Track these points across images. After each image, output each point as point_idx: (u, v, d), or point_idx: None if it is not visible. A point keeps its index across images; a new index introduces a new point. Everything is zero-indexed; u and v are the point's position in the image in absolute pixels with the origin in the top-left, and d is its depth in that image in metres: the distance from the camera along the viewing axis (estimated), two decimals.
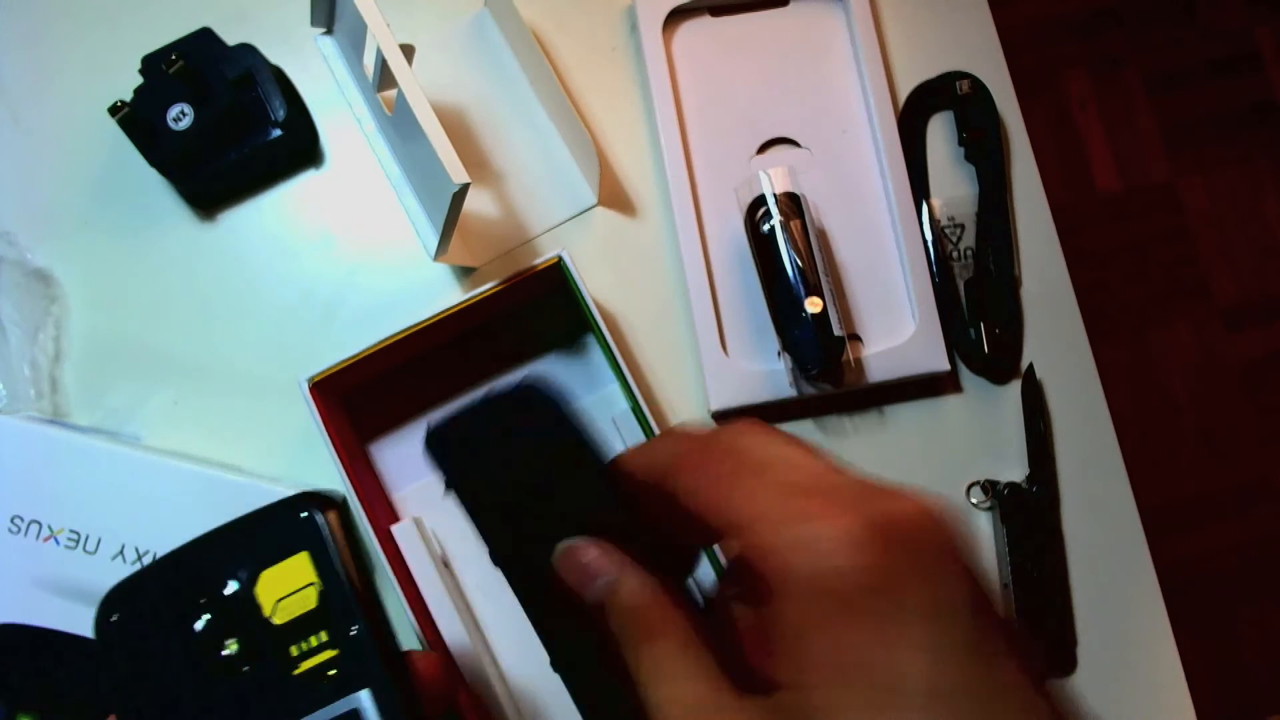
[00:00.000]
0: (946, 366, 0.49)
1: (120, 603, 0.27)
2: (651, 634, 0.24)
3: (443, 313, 0.45)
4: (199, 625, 0.26)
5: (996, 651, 0.21)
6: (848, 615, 0.21)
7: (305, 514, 0.28)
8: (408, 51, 0.45)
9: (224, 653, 0.26)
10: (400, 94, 0.43)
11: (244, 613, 0.27)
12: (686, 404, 0.50)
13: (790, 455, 0.25)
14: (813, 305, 0.46)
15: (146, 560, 0.41)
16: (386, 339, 0.44)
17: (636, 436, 0.47)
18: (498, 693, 0.45)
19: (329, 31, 0.52)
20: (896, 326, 0.50)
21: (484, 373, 0.50)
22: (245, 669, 0.26)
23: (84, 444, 0.42)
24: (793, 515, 0.22)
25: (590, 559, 0.26)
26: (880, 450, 0.51)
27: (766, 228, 0.48)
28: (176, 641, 0.26)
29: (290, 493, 0.42)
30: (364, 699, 0.26)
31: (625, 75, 0.54)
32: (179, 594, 0.27)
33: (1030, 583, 0.48)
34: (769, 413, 0.50)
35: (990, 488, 0.50)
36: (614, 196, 0.52)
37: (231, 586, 0.27)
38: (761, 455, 0.24)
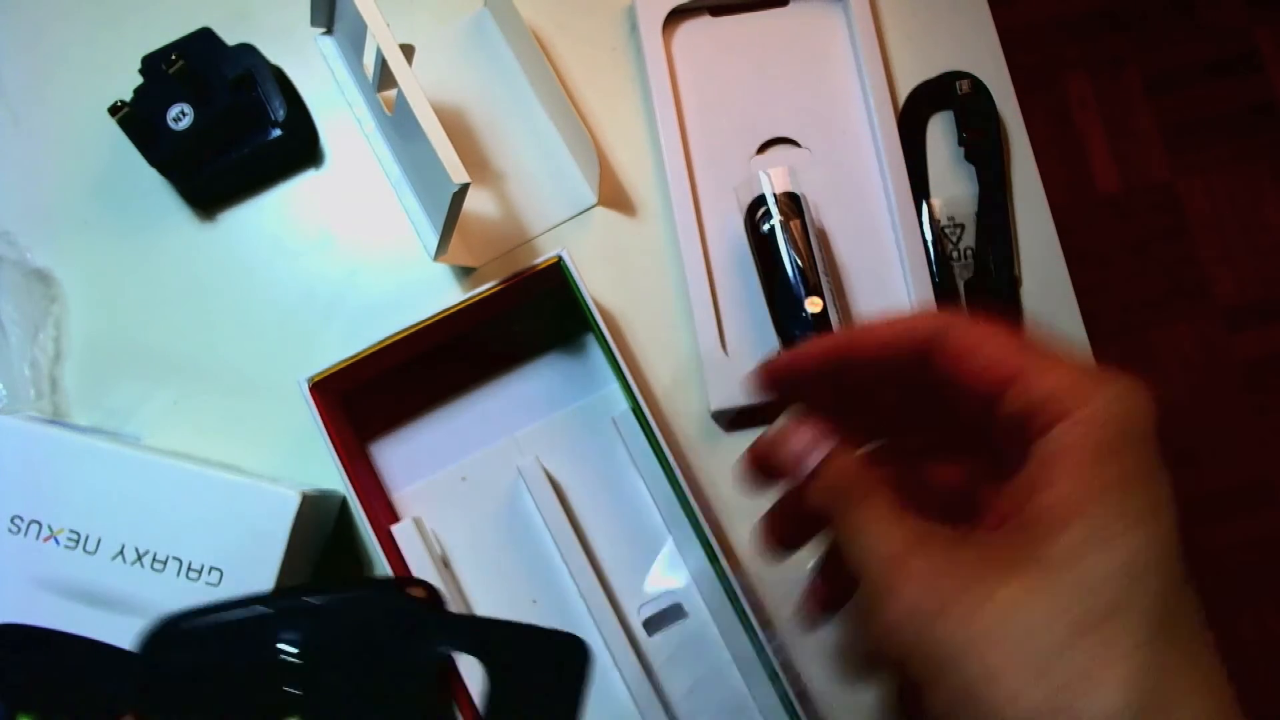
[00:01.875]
0: None
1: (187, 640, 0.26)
2: (856, 500, 0.26)
3: (443, 313, 0.45)
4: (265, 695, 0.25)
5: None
6: (1128, 456, 0.23)
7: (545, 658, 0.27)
8: (408, 51, 0.45)
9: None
10: (400, 94, 0.43)
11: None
12: (686, 404, 0.50)
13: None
14: (813, 305, 0.46)
15: (146, 560, 0.41)
16: (386, 339, 0.44)
17: (636, 436, 0.47)
18: None
19: (329, 31, 0.52)
20: None
21: (484, 372, 0.50)
22: None
23: (84, 444, 0.42)
24: (1088, 376, 0.24)
25: (801, 440, 0.29)
26: None
27: (766, 228, 0.48)
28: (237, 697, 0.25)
29: (291, 493, 0.42)
30: None
31: (625, 75, 0.54)
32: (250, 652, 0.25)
33: None
34: (769, 413, 0.50)
35: None
36: (614, 196, 0.52)
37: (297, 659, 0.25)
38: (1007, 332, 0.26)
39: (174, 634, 0.25)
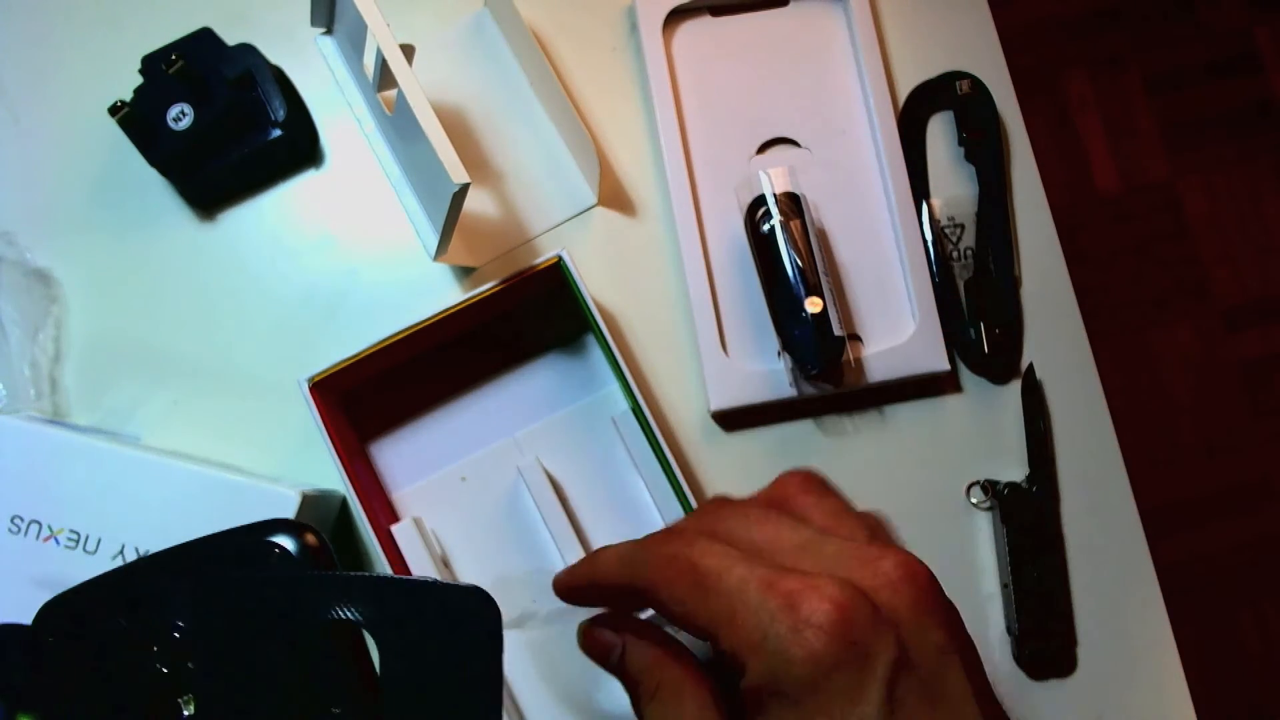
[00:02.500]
0: (946, 366, 0.49)
1: (65, 612, 0.24)
2: (654, 693, 0.28)
3: (443, 313, 0.45)
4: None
5: (960, 697, 0.24)
6: (798, 711, 0.23)
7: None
8: (408, 51, 0.45)
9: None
10: (400, 94, 0.43)
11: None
12: (686, 404, 0.50)
13: (760, 536, 0.28)
14: (813, 305, 0.46)
15: None
16: (386, 339, 0.44)
17: (636, 436, 0.47)
18: None
19: (329, 31, 0.52)
20: (896, 326, 0.50)
21: (484, 372, 0.50)
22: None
23: (84, 444, 0.42)
24: (752, 615, 0.24)
25: (601, 635, 0.30)
26: (880, 450, 0.51)
27: (766, 228, 0.48)
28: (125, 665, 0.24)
29: (291, 493, 0.42)
30: None
31: (625, 75, 0.54)
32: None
33: (1030, 583, 0.48)
34: (769, 413, 0.50)
35: (990, 488, 0.50)
36: (614, 196, 0.52)
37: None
38: (716, 563, 0.26)
39: (60, 613, 0.24)
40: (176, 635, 0.23)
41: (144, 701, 0.23)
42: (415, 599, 0.24)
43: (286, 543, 0.25)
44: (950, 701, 0.24)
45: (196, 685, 0.23)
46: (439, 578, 0.26)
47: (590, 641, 0.31)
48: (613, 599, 0.31)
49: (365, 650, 0.24)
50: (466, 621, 0.25)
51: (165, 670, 0.23)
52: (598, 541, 0.48)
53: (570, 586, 0.31)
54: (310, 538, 0.25)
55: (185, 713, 0.23)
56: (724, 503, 0.30)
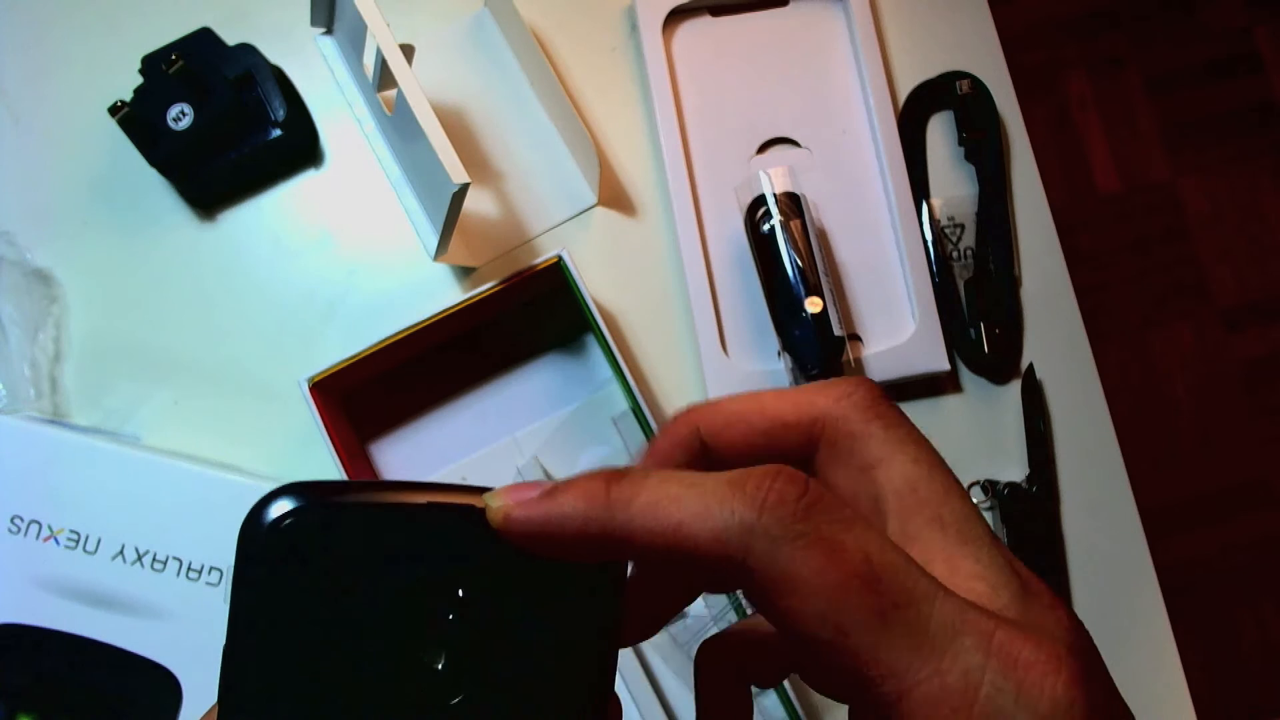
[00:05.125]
0: (946, 366, 0.49)
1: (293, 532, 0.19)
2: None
3: (443, 313, 0.45)
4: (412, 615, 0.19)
5: None
6: None
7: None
8: (408, 51, 0.45)
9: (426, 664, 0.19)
10: (400, 94, 0.43)
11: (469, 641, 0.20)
12: (686, 404, 0.50)
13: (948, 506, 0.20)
14: (813, 305, 0.46)
15: (146, 560, 0.41)
16: (386, 339, 0.44)
17: (636, 436, 0.47)
18: None
19: (329, 31, 0.52)
20: (896, 326, 0.50)
21: (484, 372, 0.50)
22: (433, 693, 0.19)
23: (84, 444, 0.42)
24: (962, 676, 0.17)
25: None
26: None
27: (766, 228, 0.48)
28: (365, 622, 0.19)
29: None
30: None
31: (625, 75, 0.54)
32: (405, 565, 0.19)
33: None
34: None
35: (990, 488, 0.50)
36: (614, 196, 0.52)
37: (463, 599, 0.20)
38: (908, 581, 0.18)
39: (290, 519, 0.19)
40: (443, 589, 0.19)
41: (392, 642, 0.19)
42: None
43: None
44: None
45: (454, 641, 0.19)
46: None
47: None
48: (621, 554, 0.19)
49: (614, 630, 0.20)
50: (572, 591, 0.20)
51: (427, 619, 0.19)
52: None
53: (540, 531, 0.19)
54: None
55: (436, 665, 0.19)
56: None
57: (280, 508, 0.19)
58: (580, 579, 0.20)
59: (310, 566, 0.19)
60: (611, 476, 0.19)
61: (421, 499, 0.20)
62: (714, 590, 0.21)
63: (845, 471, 0.21)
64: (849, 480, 0.21)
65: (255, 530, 0.19)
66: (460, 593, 0.20)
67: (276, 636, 0.19)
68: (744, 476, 0.18)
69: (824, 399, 0.22)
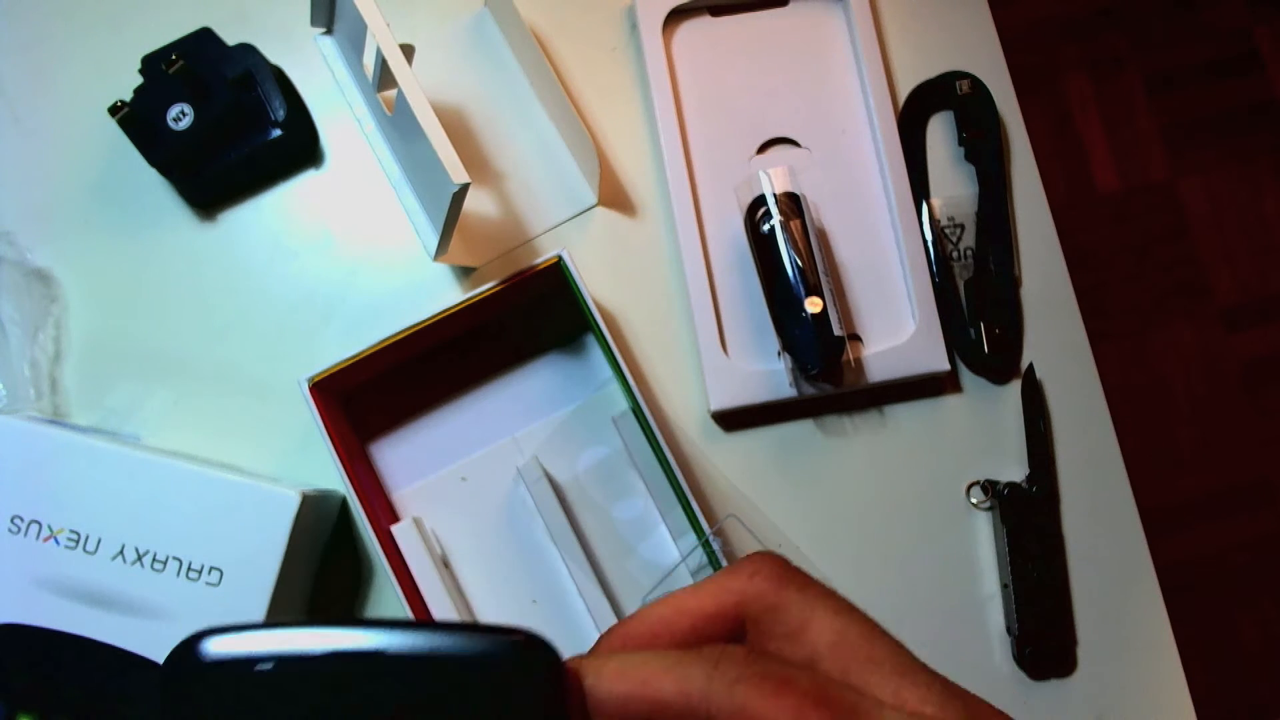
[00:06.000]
0: (946, 366, 0.49)
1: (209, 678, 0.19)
2: None
3: (443, 313, 0.45)
4: None
5: None
6: None
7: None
8: (408, 51, 0.45)
9: None
10: (400, 94, 0.43)
11: None
12: (686, 404, 0.50)
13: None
14: (813, 305, 0.46)
15: (146, 560, 0.41)
16: (386, 339, 0.44)
17: (636, 436, 0.47)
18: None
19: (329, 31, 0.52)
20: (896, 326, 0.50)
21: (484, 372, 0.50)
22: None
23: (84, 444, 0.42)
24: None
25: None
26: (880, 450, 0.51)
27: (766, 228, 0.48)
28: None
29: (291, 493, 0.42)
30: None
31: (625, 75, 0.54)
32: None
33: (1030, 583, 0.48)
34: (769, 413, 0.50)
35: (990, 488, 0.50)
36: (614, 196, 0.52)
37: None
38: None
39: (202, 668, 0.19)
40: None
41: None
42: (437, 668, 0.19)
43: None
44: None
45: None
46: (464, 620, 0.20)
47: None
48: None
49: None
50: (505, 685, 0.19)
51: None
52: (597, 542, 0.48)
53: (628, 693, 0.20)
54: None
55: None
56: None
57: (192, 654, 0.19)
58: (507, 677, 0.20)
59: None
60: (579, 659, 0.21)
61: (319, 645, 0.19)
62: None
63: (776, 643, 0.22)
64: (782, 649, 0.22)
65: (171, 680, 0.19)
66: None
67: None
68: (698, 648, 0.21)
69: (736, 582, 0.22)
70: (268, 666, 0.19)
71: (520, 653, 0.20)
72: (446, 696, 0.19)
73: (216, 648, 0.19)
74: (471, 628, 0.20)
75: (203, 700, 0.19)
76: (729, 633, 0.22)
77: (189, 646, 0.19)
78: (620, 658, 0.20)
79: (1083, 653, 0.49)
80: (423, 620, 0.19)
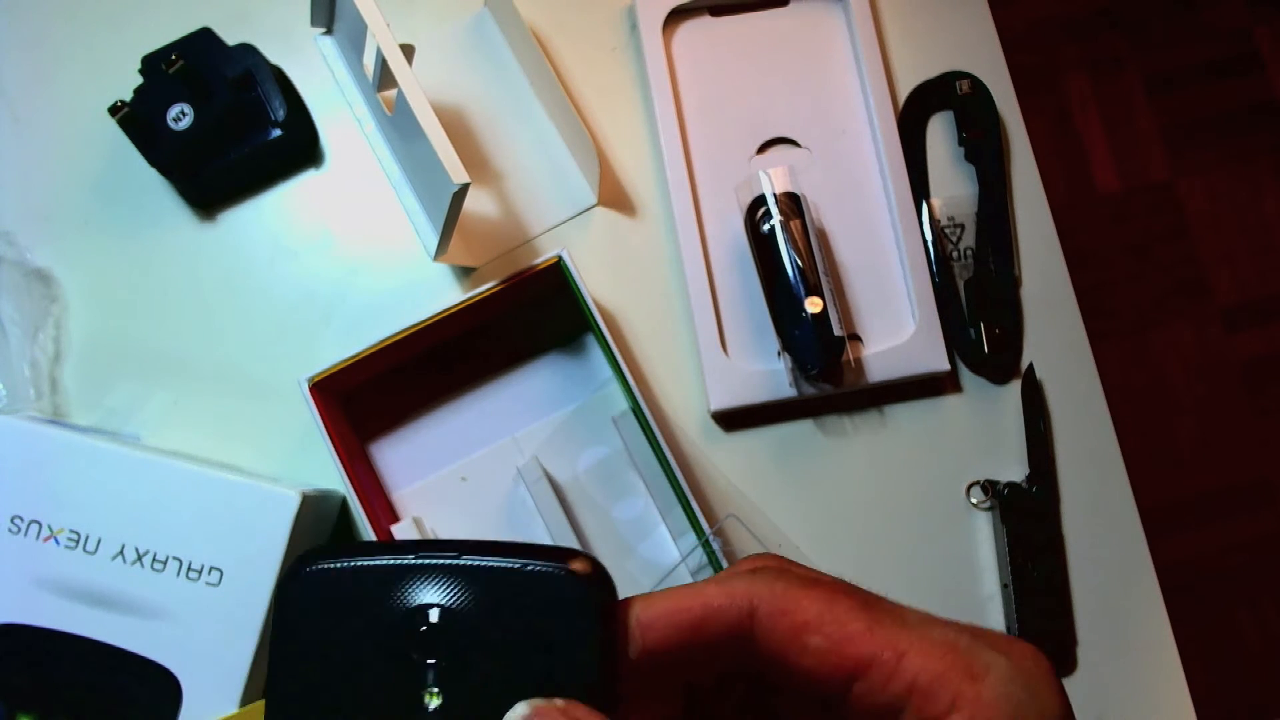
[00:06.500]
0: (946, 366, 0.49)
1: (316, 584, 0.22)
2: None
3: (443, 313, 0.45)
4: (410, 654, 0.22)
5: None
6: None
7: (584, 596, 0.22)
8: (408, 51, 0.45)
9: (423, 701, 0.21)
10: (400, 94, 0.43)
11: (461, 666, 0.22)
12: (686, 404, 0.50)
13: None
14: (813, 305, 0.46)
15: (146, 560, 0.41)
16: (386, 339, 0.44)
17: (636, 436, 0.47)
18: None
19: (329, 31, 0.52)
20: (896, 326, 0.50)
21: (484, 372, 0.50)
22: None
23: (84, 444, 0.42)
24: (966, 653, 0.20)
25: None
26: (880, 450, 0.51)
27: (766, 228, 0.48)
28: (376, 656, 0.22)
29: (291, 493, 0.42)
30: None
31: (625, 75, 0.54)
32: (392, 607, 0.22)
33: (1030, 583, 0.48)
34: (769, 413, 0.50)
35: (990, 488, 0.50)
36: (614, 196, 0.52)
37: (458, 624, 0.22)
38: (983, 658, 0.20)
39: (310, 575, 0.22)
40: (427, 627, 0.22)
41: (386, 692, 0.22)
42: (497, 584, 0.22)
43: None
44: None
45: (443, 678, 0.22)
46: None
47: None
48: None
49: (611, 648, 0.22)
50: (556, 609, 0.22)
51: (413, 659, 0.22)
52: (598, 541, 0.48)
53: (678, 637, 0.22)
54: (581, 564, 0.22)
55: (431, 706, 0.21)
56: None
57: (301, 567, 0.23)
58: (565, 600, 0.22)
59: (326, 617, 0.22)
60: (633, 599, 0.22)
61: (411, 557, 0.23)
62: (722, 667, 0.23)
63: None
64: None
65: (284, 586, 0.22)
66: (444, 630, 0.22)
67: (303, 674, 0.22)
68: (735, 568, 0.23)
69: (741, 578, 0.23)
70: (364, 565, 0.22)
71: (574, 576, 0.22)
72: (510, 605, 0.22)
73: (321, 563, 0.22)
74: (539, 550, 0.23)
75: (308, 601, 0.22)
76: (737, 624, 0.22)
77: (299, 562, 0.22)
78: (662, 591, 0.22)
79: (1083, 653, 0.49)
80: (497, 542, 0.23)
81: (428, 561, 0.22)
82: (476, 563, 0.22)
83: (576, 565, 0.22)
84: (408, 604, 0.22)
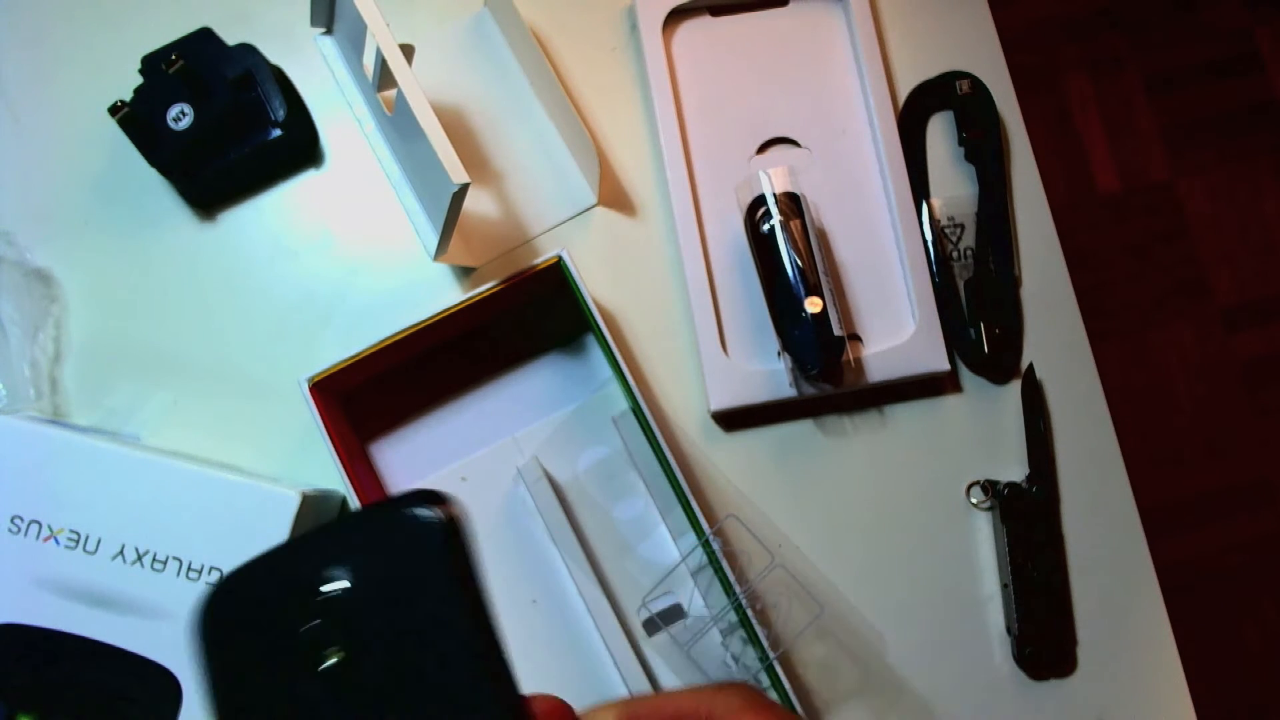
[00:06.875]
0: (946, 366, 0.49)
1: (225, 601, 0.24)
2: None
3: (443, 313, 0.45)
4: (302, 630, 0.23)
5: None
6: None
7: (429, 517, 0.23)
8: (408, 51, 0.45)
9: (325, 663, 0.23)
10: (400, 94, 0.43)
11: (349, 622, 0.23)
12: (686, 404, 0.50)
13: None
14: (813, 305, 0.46)
15: (146, 560, 0.41)
16: (386, 339, 0.44)
17: (636, 436, 0.47)
18: None
19: (329, 31, 0.52)
20: (896, 326, 0.50)
21: (484, 372, 0.50)
22: (347, 684, 0.23)
23: (84, 444, 0.42)
24: None
25: None
26: (880, 450, 0.51)
27: (766, 228, 0.48)
28: (279, 646, 0.23)
29: (291, 493, 0.42)
30: None
31: (625, 75, 0.54)
32: (284, 593, 0.23)
33: (1030, 583, 0.48)
34: (769, 413, 0.50)
35: (990, 488, 0.50)
36: (614, 196, 0.52)
37: (336, 588, 0.23)
38: None
39: (221, 601, 0.23)
40: (327, 590, 0.23)
41: (293, 651, 0.23)
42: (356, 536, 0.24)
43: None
44: None
45: (345, 638, 0.23)
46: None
47: None
48: None
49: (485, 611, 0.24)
50: (413, 549, 0.23)
51: (318, 621, 0.23)
52: (597, 541, 0.48)
53: None
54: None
55: (330, 661, 0.23)
56: None
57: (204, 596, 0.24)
58: (412, 542, 0.23)
59: (231, 649, 0.23)
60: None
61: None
62: None
63: None
64: None
65: (196, 619, 0.23)
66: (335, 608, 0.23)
67: (234, 700, 0.23)
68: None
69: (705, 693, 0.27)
70: (243, 579, 0.24)
71: (415, 521, 0.23)
72: (372, 562, 0.23)
73: (211, 597, 0.23)
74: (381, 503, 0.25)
75: (216, 631, 0.23)
76: None
77: (202, 609, 0.23)
78: (647, 696, 0.26)
79: (1083, 653, 0.49)
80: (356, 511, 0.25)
81: (289, 550, 0.24)
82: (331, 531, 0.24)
83: (413, 508, 0.23)
84: (299, 584, 0.23)
